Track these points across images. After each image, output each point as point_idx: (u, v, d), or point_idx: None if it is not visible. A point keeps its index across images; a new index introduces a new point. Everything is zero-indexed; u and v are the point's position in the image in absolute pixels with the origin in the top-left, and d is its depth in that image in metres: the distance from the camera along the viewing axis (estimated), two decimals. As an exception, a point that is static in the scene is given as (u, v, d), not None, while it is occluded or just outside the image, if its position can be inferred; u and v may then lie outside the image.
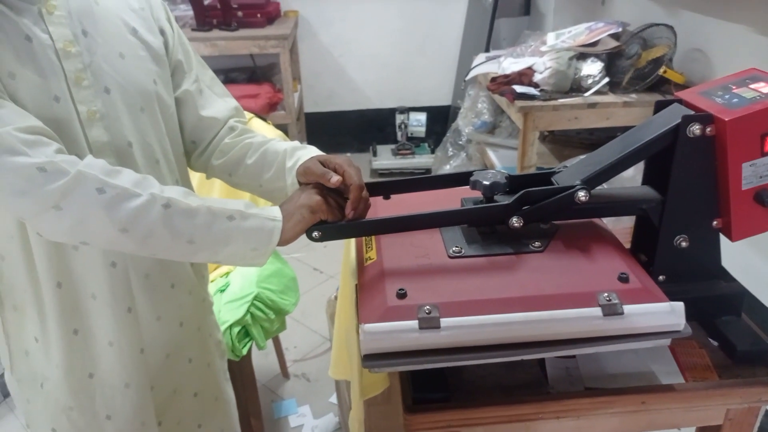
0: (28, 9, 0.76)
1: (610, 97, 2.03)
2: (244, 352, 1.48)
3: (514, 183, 0.85)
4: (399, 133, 3.49)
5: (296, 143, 0.95)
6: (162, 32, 0.91)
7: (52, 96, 0.77)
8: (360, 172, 0.83)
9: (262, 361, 2.05)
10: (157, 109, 0.89)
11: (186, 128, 0.97)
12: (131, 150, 0.85)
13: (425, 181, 0.94)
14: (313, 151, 0.91)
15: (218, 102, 0.99)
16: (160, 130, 0.90)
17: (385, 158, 3.45)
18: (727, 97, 0.81)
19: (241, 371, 1.55)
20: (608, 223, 0.94)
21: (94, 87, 0.80)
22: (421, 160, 3.41)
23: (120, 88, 0.83)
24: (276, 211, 0.80)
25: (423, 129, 3.50)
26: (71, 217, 0.71)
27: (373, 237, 0.89)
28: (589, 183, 0.81)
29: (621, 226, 1.11)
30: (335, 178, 0.81)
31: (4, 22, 0.74)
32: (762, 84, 0.80)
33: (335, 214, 0.81)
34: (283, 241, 0.79)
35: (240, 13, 2.96)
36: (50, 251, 0.83)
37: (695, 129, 0.78)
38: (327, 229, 0.81)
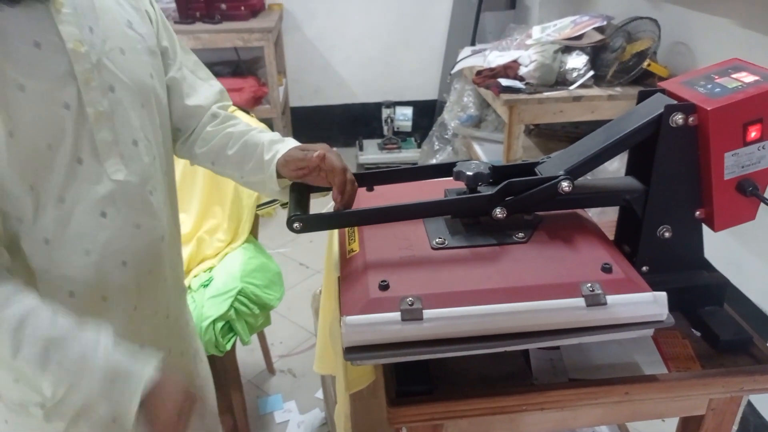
0: (35, 7, 0.70)
1: (594, 91, 2.03)
2: (228, 347, 1.47)
3: (497, 174, 0.85)
4: (385, 128, 3.48)
5: (275, 135, 0.93)
6: (149, 17, 0.88)
7: (61, 104, 0.73)
8: (340, 157, 0.83)
9: (248, 356, 2.03)
10: (154, 104, 0.86)
11: (173, 117, 0.95)
12: (137, 149, 0.82)
13: (409, 172, 0.93)
14: (291, 143, 0.90)
15: (203, 87, 0.97)
16: (156, 124, 0.87)
17: (372, 153, 3.44)
18: (709, 86, 0.80)
19: (225, 367, 1.53)
20: (593, 216, 0.94)
21: (100, 87, 0.76)
22: (408, 154, 3.41)
23: (123, 86, 0.79)
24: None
25: (409, 123, 3.49)
26: None
27: (356, 229, 0.88)
28: (573, 173, 0.80)
29: (606, 219, 1.11)
30: (317, 153, 0.81)
31: (11, 28, 0.69)
32: (744, 74, 0.80)
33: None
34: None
35: (223, 6, 2.93)
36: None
37: (678, 119, 0.78)
38: (308, 220, 0.80)
